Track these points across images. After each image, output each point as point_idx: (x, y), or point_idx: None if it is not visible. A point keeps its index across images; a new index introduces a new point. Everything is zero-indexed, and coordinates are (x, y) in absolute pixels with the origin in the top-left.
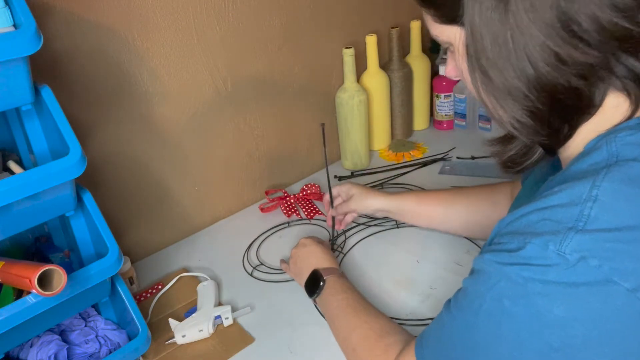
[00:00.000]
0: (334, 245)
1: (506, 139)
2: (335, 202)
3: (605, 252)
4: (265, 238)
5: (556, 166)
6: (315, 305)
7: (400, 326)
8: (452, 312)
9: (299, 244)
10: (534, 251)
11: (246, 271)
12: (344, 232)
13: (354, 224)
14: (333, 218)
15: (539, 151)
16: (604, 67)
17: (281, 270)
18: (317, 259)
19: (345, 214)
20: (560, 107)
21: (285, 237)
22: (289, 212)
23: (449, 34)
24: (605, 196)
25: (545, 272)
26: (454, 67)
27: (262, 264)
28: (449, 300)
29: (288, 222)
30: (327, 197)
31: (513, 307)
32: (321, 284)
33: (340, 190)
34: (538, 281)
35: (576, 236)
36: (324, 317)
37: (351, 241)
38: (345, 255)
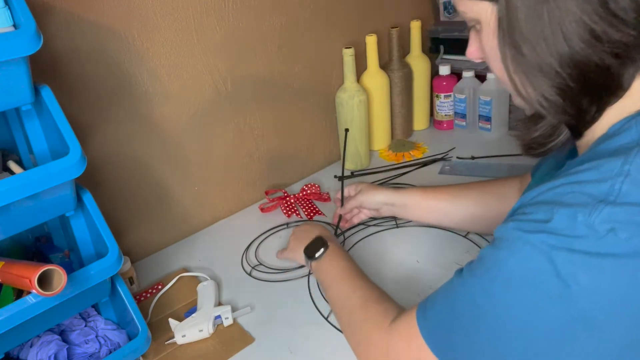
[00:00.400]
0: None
1: (532, 120)
2: (345, 200)
3: (635, 225)
4: (265, 239)
5: (573, 154)
6: (309, 272)
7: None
8: (464, 278)
9: (301, 225)
10: (561, 222)
11: (245, 271)
12: (343, 232)
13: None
14: (340, 216)
15: (564, 133)
16: (638, 47)
17: (280, 270)
18: (320, 230)
19: (353, 211)
20: (590, 86)
21: (284, 238)
22: (289, 212)
23: (479, 10)
24: (637, 172)
25: (572, 243)
26: (477, 48)
27: (260, 264)
28: (461, 269)
29: (287, 224)
30: (338, 195)
31: (536, 275)
32: (322, 249)
33: (349, 189)
34: (564, 249)
35: (606, 208)
36: (318, 285)
37: (351, 241)
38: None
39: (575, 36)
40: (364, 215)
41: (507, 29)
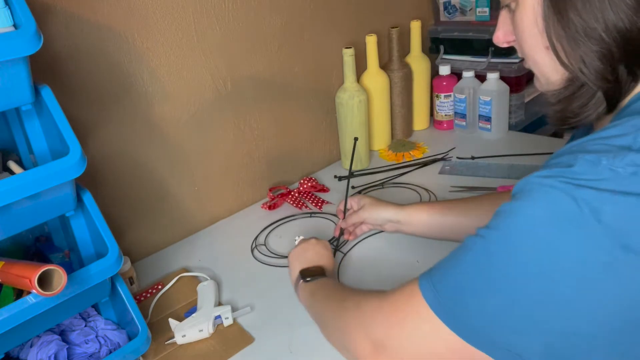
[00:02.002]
0: (335, 252)
1: (568, 90)
2: (347, 213)
3: None
4: (274, 229)
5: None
6: (296, 291)
7: None
8: (478, 235)
9: (311, 239)
10: (584, 166)
11: (253, 256)
12: (344, 243)
13: None
14: (341, 230)
15: (599, 105)
16: None
17: (283, 256)
18: (326, 261)
19: (355, 224)
20: (631, 53)
21: (291, 231)
22: (299, 205)
23: None
24: None
25: (596, 184)
26: (507, 31)
27: (264, 245)
28: (470, 235)
29: (311, 213)
30: (340, 206)
31: (560, 214)
32: (318, 278)
33: (352, 201)
34: (588, 188)
35: (630, 154)
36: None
37: (351, 241)
38: (345, 255)
39: (621, 2)
40: (366, 227)
41: None
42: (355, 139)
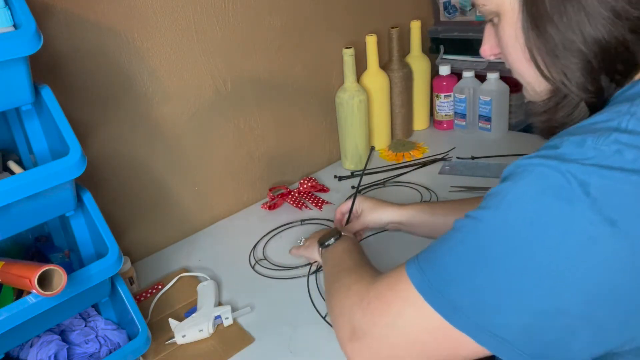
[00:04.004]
0: None
1: (552, 102)
2: (345, 219)
3: None
4: (272, 236)
5: None
6: (309, 271)
7: None
8: (468, 217)
9: (321, 230)
10: (570, 147)
11: (251, 266)
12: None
13: None
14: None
15: (584, 115)
16: None
17: (283, 267)
18: (339, 229)
19: (356, 231)
20: (610, 62)
21: (293, 236)
22: (300, 205)
23: (498, 1)
24: None
25: (582, 161)
26: (492, 44)
27: (265, 259)
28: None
29: (301, 221)
30: (338, 215)
31: (549, 188)
32: (334, 238)
33: (349, 206)
34: (575, 162)
35: (614, 133)
36: (317, 285)
37: None
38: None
39: (597, 14)
40: (365, 233)
41: (532, 10)
42: (372, 147)
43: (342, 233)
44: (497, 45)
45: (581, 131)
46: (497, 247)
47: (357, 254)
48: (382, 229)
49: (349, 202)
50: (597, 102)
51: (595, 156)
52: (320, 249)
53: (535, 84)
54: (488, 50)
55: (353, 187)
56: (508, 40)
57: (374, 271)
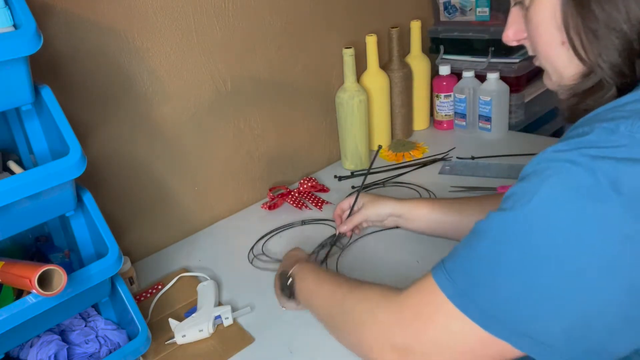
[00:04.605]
0: (326, 259)
1: (583, 85)
2: (345, 215)
3: None
4: (272, 237)
5: None
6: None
7: None
8: (490, 219)
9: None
10: (602, 134)
11: (249, 261)
12: (335, 242)
13: None
14: (338, 235)
15: (612, 100)
16: None
17: (280, 260)
18: (283, 266)
19: (356, 226)
20: None
21: (292, 237)
22: (300, 205)
23: None
24: None
25: (614, 152)
26: (519, 29)
27: (263, 254)
28: (480, 220)
29: (303, 221)
30: (337, 211)
31: (577, 189)
32: (289, 280)
33: (351, 202)
34: (606, 158)
35: None
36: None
37: (351, 239)
38: (342, 251)
39: None
40: (366, 225)
41: None
42: (379, 147)
43: (288, 269)
44: (524, 30)
45: (613, 115)
46: (531, 252)
47: (325, 274)
48: (381, 228)
49: (350, 199)
50: (628, 88)
51: (629, 144)
52: (289, 297)
53: (564, 68)
54: (512, 35)
55: (353, 187)
56: (542, 21)
57: (372, 283)
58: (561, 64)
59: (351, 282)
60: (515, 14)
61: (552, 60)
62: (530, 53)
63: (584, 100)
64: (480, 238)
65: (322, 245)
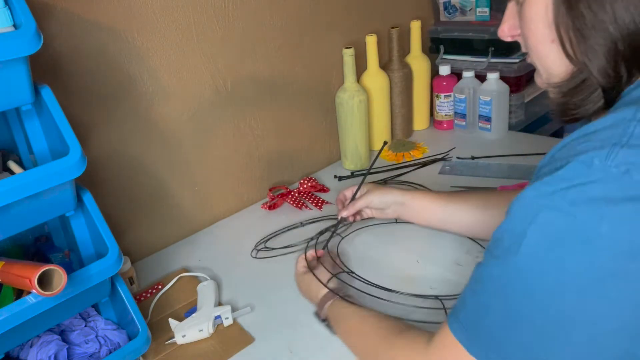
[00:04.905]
0: (326, 246)
1: (570, 83)
2: (346, 203)
3: None
4: (271, 237)
5: None
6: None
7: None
8: (486, 265)
9: (297, 270)
10: (577, 169)
11: (252, 256)
12: (336, 229)
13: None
14: (340, 219)
15: (598, 101)
16: None
17: (282, 247)
18: (313, 292)
19: (358, 213)
20: (634, 49)
21: (289, 237)
22: (300, 205)
23: None
24: None
25: (589, 190)
26: (513, 24)
27: (266, 247)
28: (480, 263)
29: (301, 222)
30: (340, 196)
31: (559, 234)
32: (325, 321)
33: (353, 190)
34: (583, 201)
35: (622, 150)
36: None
37: (351, 241)
38: (342, 239)
39: None
40: (369, 212)
41: None
42: (385, 142)
43: (318, 310)
44: (518, 26)
45: (585, 146)
46: (526, 298)
47: (354, 317)
48: (381, 221)
49: (354, 187)
50: (612, 90)
51: (603, 179)
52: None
53: (553, 66)
54: (507, 30)
55: (353, 174)
56: (534, 18)
57: (402, 328)
58: (551, 62)
59: (381, 329)
60: (510, 9)
61: (542, 57)
62: (523, 49)
63: (571, 99)
64: (483, 288)
65: (321, 232)
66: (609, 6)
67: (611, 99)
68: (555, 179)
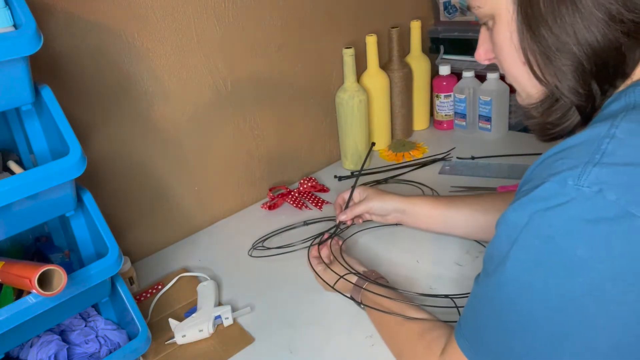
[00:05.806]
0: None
1: (546, 103)
2: (344, 206)
3: (621, 185)
4: (271, 237)
5: None
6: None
7: (440, 321)
8: (480, 283)
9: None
10: (551, 189)
11: (249, 254)
12: (336, 231)
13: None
14: (339, 223)
15: (575, 117)
16: None
17: (282, 246)
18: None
19: (358, 216)
20: (601, 66)
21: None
22: (299, 205)
23: (493, 3)
24: (622, 134)
25: (565, 211)
26: (487, 49)
27: (264, 246)
28: (479, 274)
29: (304, 222)
30: (339, 200)
31: (539, 256)
32: (361, 305)
33: (354, 195)
34: (560, 224)
35: (594, 169)
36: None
37: (351, 241)
38: (345, 240)
39: (592, 17)
40: (368, 217)
41: (526, 12)
42: (373, 143)
43: (358, 299)
44: (492, 49)
45: (560, 165)
46: (516, 318)
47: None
48: (384, 224)
49: (344, 194)
50: (588, 107)
51: (576, 198)
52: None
53: (528, 87)
54: (482, 54)
55: (353, 173)
56: (503, 43)
57: (423, 326)
58: (525, 83)
59: (404, 328)
60: (483, 34)
61: (517, 79)
62: (501, 71)
63: (547, 119)
64: (480, 304)
65: (321, 234)
66: (570, 28)
67: (588, 115)
68: (533, 200)
